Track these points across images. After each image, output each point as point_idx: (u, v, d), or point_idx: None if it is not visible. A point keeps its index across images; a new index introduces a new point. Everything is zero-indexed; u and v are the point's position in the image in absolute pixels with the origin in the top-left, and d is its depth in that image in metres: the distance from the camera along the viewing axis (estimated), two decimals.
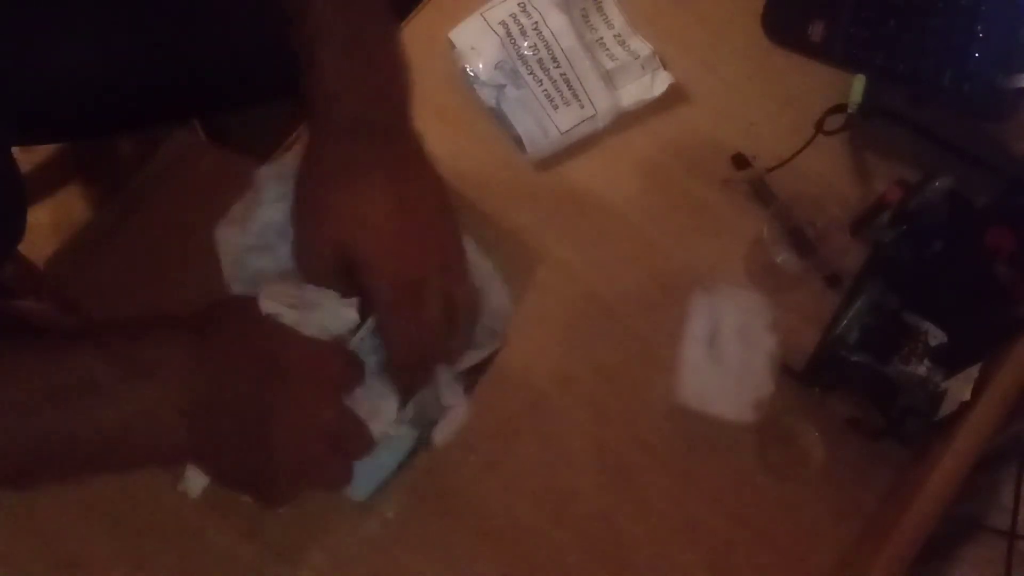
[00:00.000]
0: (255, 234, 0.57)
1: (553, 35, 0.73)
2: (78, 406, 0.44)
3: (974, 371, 0.62)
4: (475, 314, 0.58)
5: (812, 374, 0.67)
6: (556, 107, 0.72)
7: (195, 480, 0.50)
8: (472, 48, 0.73)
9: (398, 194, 0.53)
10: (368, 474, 0.60)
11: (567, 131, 0.72)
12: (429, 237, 0.54)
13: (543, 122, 0.72)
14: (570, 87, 0.73)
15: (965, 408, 0.61)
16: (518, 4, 0.74)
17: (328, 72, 0.52)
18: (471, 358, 0.59)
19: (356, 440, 0.51)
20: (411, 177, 0.54)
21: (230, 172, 0.70)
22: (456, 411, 0.60)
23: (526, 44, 0.73)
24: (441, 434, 0.60)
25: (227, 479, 0.49)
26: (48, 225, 1.01)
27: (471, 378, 0.62)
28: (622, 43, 0.75)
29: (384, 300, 0.52)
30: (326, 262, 0.52)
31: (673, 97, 0.74)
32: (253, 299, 0.49)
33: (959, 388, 0.62)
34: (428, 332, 0.53)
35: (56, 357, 0.45)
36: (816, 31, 0.74)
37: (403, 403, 0.56)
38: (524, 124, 0.72)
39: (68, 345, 0.46)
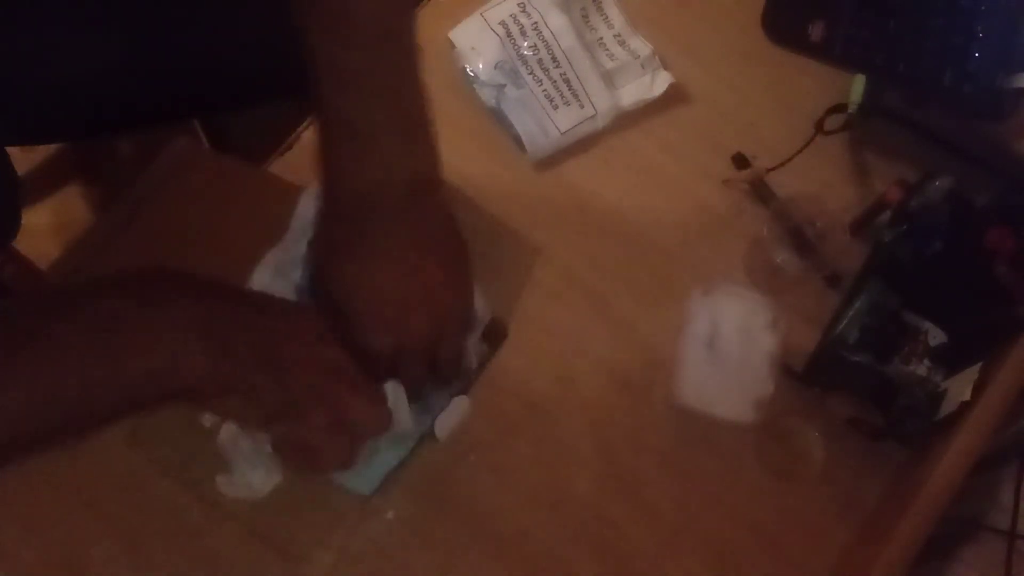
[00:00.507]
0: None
1: (553, 35, 0.73)
2: (105, 340, 0.45)
3: (974, 371, 0.62)
4: (457, 367, 0.60)
5: (812, 374, 0.67)
6: (556, 107, 0.72)
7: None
8: (472, 48, 0.73)
9: (405, 261, 0.53)
10: (373, 467, 0.61)
11: (567, 131, 0.72)
12: (430, 305, 0.55)
13: (543, 122, 0.72)
14: (570, 87, 0.73)
15: (965, 408, 0.61)
16: (518, 4, 0.74)
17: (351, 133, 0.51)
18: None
19: (364, 391, 0.53)
20: (424, 243, 0.54)
21: (230, 178, 0.71)
22: (457, 404, 0.61)
23: (526, 44, 0.73)
24: (443, 427, 0.61)
25: (249, 398, 0.50)
26: (48, 226, 1.01)
27: (468, 378, 0.62)
28: (622, 43, 0.75)
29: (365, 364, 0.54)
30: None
31: (673, 97, 0.75)
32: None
33: (959, 388, 0.62)
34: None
35: (80, 302, 0.46)
36: (816, 31, 0.74)
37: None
38: (524, 124, 0.72)
39: (88, 291, 0.47)
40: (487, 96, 0.73)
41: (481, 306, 0.63)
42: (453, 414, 0.62)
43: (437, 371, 0.58)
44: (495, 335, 0.66)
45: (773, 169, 0.72)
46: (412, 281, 0.53)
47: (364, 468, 0.59)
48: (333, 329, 0.53)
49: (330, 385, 0.51)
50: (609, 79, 0.74)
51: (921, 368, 0.64)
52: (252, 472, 0.60)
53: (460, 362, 0.60)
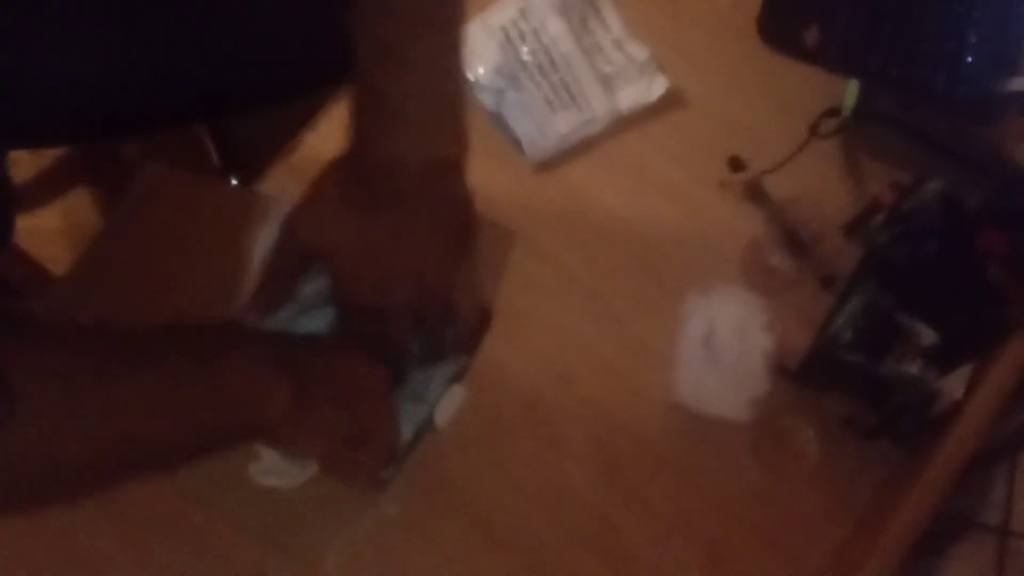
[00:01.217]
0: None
1: (552, 40, 0.74)
2: (191, 368, 0.47)
3: (966, 370, 0.63)
4: (440, 342, 0.62)
5: (807, 374, 0.68)
6: (555, 111, 0.73)
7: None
8: (472, 52, 0.74)
9: (406, 229, 0.55)
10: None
11: (566, 134, 0.73)
12: (417, 275, 0.56)
13: (542, 125, 0.73)
14: (569, 91, 0.74)
15: (958, 407, 0.62)
16: (518, 9, 0.75)
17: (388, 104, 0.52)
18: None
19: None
20: (429, 220, 0.55)
21: (207, 198, 0.71)
22: (454, 392, 0.62)
23: (525, 49, 0.74)
24: (442, 415, 0.62)
25: (325, 430, 0.53)
26: (56, 228, 1.02)
27: (462, 361, 0.64)
28: (620, 48, 0.76)
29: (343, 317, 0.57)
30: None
31: (670, 101, 0.75)
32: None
33: (952, 387, 0.63)
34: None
35: (162, 347, 0.47)
36: (811, 35, 0.75)
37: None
38: (524, 127, 0.73)
39: (167, 336, 0.48)
40: (487, 100, 0.74)
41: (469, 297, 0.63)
42: (451, 402, 0.63)
43: (423, 325, 0.59)
44: (479, 319, 0.66)
45: (768, 172, 0.73)
46: (403, 247, 0.55)
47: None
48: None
49: (386, 410, 0.56)
50: (607, 83, 0.75)
51: (914, 368, 0.65)
52: (286, 460, 0.61)
53: (443, 337, 0.61)
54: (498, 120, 0.74)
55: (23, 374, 0.40)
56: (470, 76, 0.74)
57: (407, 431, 0.62)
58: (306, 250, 0.56)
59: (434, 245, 0.56)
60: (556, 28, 0.74)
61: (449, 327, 0.61)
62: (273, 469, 0.61)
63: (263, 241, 0.63)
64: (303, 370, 0.51)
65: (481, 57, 0.74)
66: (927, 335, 0.65)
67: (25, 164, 0.93)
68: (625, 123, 0.75)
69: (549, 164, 0.74)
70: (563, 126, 0.73)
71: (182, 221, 0.69)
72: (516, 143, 0.74)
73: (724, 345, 0.68)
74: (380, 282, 0.55)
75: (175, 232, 0.68)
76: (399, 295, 0.56)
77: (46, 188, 1.00)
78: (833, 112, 0.72)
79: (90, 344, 0.45)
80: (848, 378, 0.67)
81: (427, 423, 0.63)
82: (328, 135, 0.72)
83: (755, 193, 0.73)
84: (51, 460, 0.42)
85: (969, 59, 0.71)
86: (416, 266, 0.56)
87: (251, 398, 0.48)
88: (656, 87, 0.75)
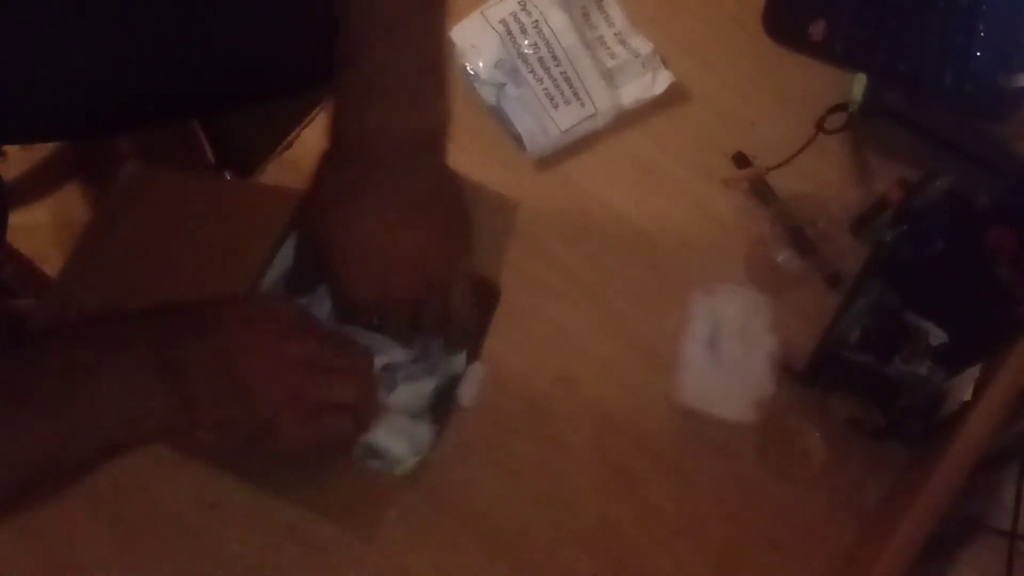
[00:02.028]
0: None
1: (554, 33, 0.73)
2: (63, 392, 0.44)
3: (975, 371, 0.62)
4: (440, 326, 0.59)
5: (813, 374, 0.67)
6: (556, 106, 0.72)
7: None
8: (472, 46, 0.73)
9: (396, 216, 0.53)
10: (398, 442, 0.60)
11: (567, 130, 0.72)
12: (415, 263, 0.54)
13: (543, 121, 0.72)
14: (570, 86, 0.73)
15: (966, 408, 0.61)
16: (518, 2, 0.74)
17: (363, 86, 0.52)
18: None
19: (341, 368, 0.52)
20: (419, 200, 0.54)
21: (190, 194, 0.70)
22: (473, 371, 0.61)
23: (526, 42, 0.73)
24: (466, 395, 0.61)
25: (222, 431, 0.49)
26: (48, 225, 1.01)
27: (476, 341, 0.63)
28: (623, 41, 0.75)
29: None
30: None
31: (674, 96, 0.74)
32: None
33: (960, 388, 0.62)
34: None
35: (44, 358, 0.45)
36: (817, 30, 0.74)
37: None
38: (524, 123, 0.72)
39: (44, 341, 0.47)
40: (487, 95, 0.73)
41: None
42: (472, 381, 0.62)
43: (421, 328, 0.57)
44: (487, 295, 0.65)
45: (774, 168, 0.72)
46: (400, 238, 0.53)
47: (396, 449, 0.59)
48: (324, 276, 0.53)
49: (301, 383, 0.50)
50: (610, 78, 0.74)
51: (922, 368, 0.64)
52: (397, 445, 0.59)
53: (444, 321, 0.59)
54: (498, 115, 0.73)
55: None
56: (470, 70, 0.73)
57: (415, 405, 0.60)
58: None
59: (430, 232, 0.55)
60: (557, 21, 0.73)
61: (449, 320, 0.60)
62: (374, 452, 0.59)
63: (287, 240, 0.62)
64: (188, 367, 0.47)
65: (481, 51, 0.73)
66: (935, 335, 0.65)
67: (16, 160, 0.93)
68: (628, 118, 0.74)
69: (550, 160, 0.73)
70: (565, 121, 0.72)
71: (167, 218, 0.67)
72: (517, 139, 0.73)
73: (728, 345, 0.67)
74: (379, 276, 0.54)
75: (160, 229, 0.67)
76: (399, 289, 0.55)
77: (37, 185, 0.99)
78: (840, 108, 0.71)
79: None
80: (855, 379, 0.66)
81: (450, 403, 0.61)
82: (323, 131, 0.71)
83: (760, 190, 0.72)
84: None
85: (978, 54, 0.71)
86: (415, 256, 0.54)
87: (127, 417, 0.46)
88: (659, 82, 0.74)
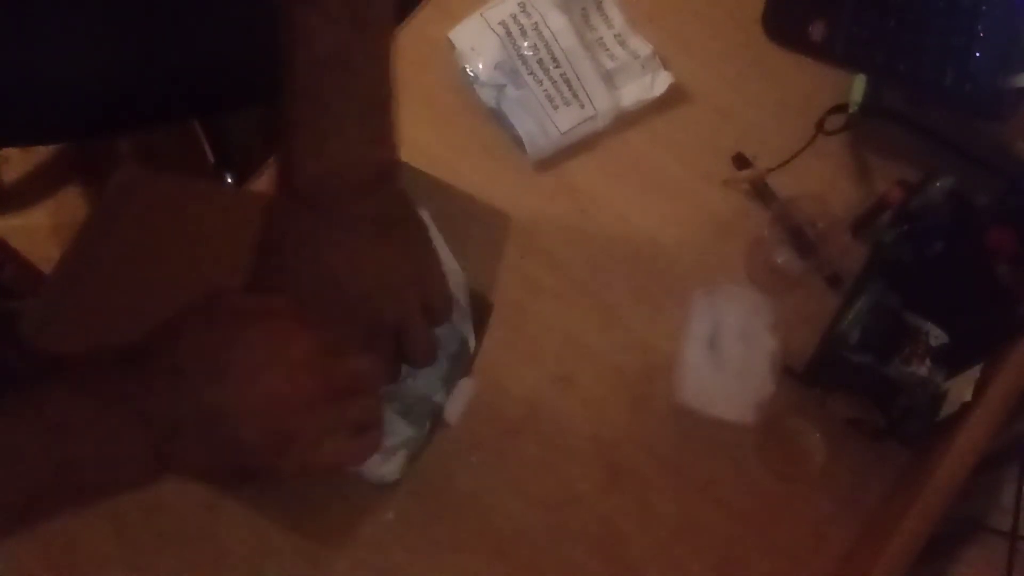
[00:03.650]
0: None
1: (553, 35, 0.73)
2: (54, 443, 0.43)
3: (975, 371, 0.62)
4: (425, 349, 0.56)
5: (813, 374, 0.67)
6: (556, 107, 0.72)
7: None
8: (472, 48, 0.73)
9: (365, 250, 0.52)
10: (391, 453, 0.59)
11: (567, 131, 0.72)
12: (392, 291, 0.52)
13: (543, 122, 0.72)
14: (570, 87, 0.72)
15: (966, 409, 0.61)
16: (518, 4, 0.73)
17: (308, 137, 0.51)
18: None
19: (348, 369, 0.48)
20: (384, 231, 0.53)
21: (185, 197, 0.69)
22: (462, 386, 0.61)
23: (526, 44, 0.73)
24: (452, 412, 0.60)
25: (217, 472, 0.47)
26: (48, 226, 1.01)
27: (466, 359, 0.62)
28: (622, 43, 0.75)
29: None
30: None
31: (673, 97, 0.74)
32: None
33: (960, 388, 0.62)
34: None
35: (24, 404, 0.43)
36: (817, 30, 0.74)
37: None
38: (524, 124, 0.72)
39: (33, 391, 0.44)
40: (487, 96, 0.73)
41: (460, 283, 0.61)
42: (460, 397, 0.62)
43: (407, 353, 0.55)
44: (479, 309, 0.64)
45: (774, 169, 0.72)
46: (372, 269, 0.52)
47: (383, 457, 0.58)
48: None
49: (298, 426, 0.46)
50: (609, 79, 0.74)
51: (922, 369, 0.64)
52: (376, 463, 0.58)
53: (428, 345, 0.57)
54: (498, 117, 0.73)
55: None
56: (470, 72, 0.73)
57: (411, 429, 0.60)
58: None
59: (392, 265, 0.53)
60: (557, 23, 0.73)
61: (432, 334, 0.57)
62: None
63: None
64: (168, 411, 0.43)
65: (481, 53, 0.73)
66: (935, 335, 0.65)
67: (16, 162, 0.93)
68: (628, 120, 0.74)
69: (550, 162, 0.73)
70: (564, 123, 0.72)
71: (160, 220, 0.67)
72: (516, 140, 0.73)
73: (729, 346, 0.67)
74: (361, 307, 0.52)
75: (152, 232, 0.67)
76: (380, 315, 0.52)
77: (37, 186, 0.99)
78: (839, 108, 0.71)
79: None
80: (855, 379, 0.66)
81: (437, 419, 0.61)
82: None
83: (760, 191, 0.72)
84: None
85: (977, 54, 0.71)
86: (392, 280, 0.53)
87: (107, 466, 0.44)
88: (659, 83, 0.74)
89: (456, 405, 0.62)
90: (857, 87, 0.70)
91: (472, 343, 0.62)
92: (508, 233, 0.70)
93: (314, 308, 0.49)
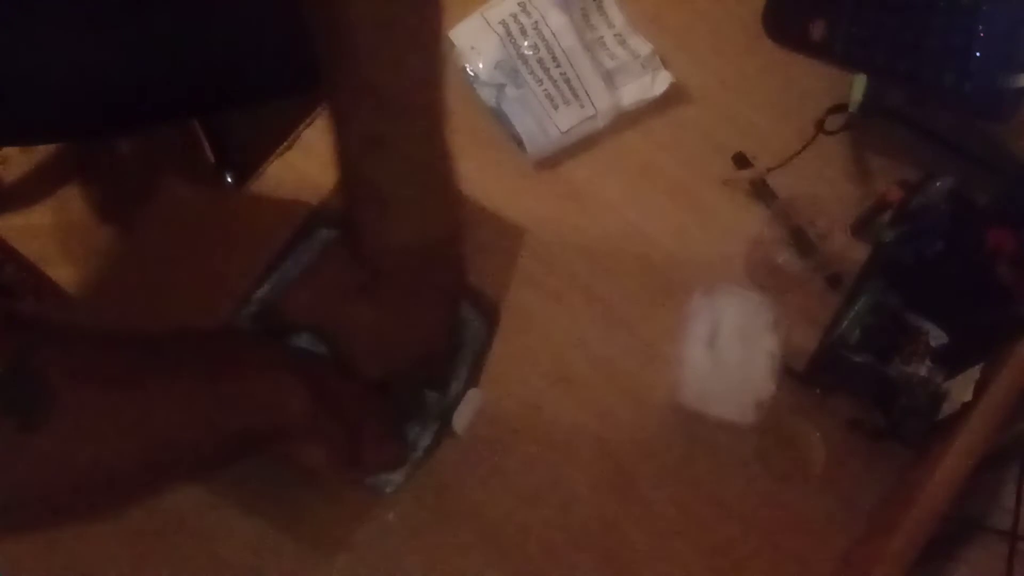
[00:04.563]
0: None
1: (553, 34, 0.73)
2: (216, 378, 0.47)
3: (975, 372, 0.62)
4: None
5: (813, 374, 0.67)
6: (556, 107, 0.72)
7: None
8: (472, 47, 0.73)
9: (402, 311, 0.56)
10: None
11: (567, 131, 0.72)
12: (411, 346, 0.57)
13: (543, 122, 0.72)
14: (570, 87, 0.72)
15: (966, 409, 0.61)
16: (518, 3, 0.73)
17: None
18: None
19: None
20: (422, 302, 0.56)
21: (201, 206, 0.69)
22: (471, 396, 0.61)
23: (526, 43, 0.73)
24: (460, 421, 0.61)
25: (325, 453, 0.52)
26: (49, 226, 1.00)
27: (476, 367, 0.63)
28: (622, 42, 0.75)
29: None
30: None
31: (673, 97, 0.74)
32: None
33: (960, 389, 0.62)
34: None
35: (182, 347, 0.48)
36: (817, 30, 0.74)
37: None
38: (524, 124, 0.72)
39: (185, 338, 0.49)
40: (487, 96, 0.73)
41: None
42: (468, 407, 0.62)
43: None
44: (486, 320, 0.65)
45: (774, 169, 0.72)
46: (404, 325, 0.56)
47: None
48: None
49: (382, 433, 0.55)
50: (609, 79, 0.74)
51: (922, 368, 0.64)
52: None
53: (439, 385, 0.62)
54: (498, 116, 0.73)
55: (60, 377, 0.40)
56: (470, 72, 0.73)
57: (425, 440, 0.61)
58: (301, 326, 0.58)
59: (431, 315, 0.57)
60: (557, 22, 0.73)
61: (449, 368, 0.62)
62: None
63: (298, 255, 0.62)
64: (316, 381, 0.51)
65: (481, 52, 0.73)
66: (935, 335, 0.65)
67: (16, 162, 0.92)
68: (628, 119, 0.74)
69: (550, 161, 0.73)
70: (564, 122, 0.72)
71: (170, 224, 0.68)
72: (517, 140, 0.73)
73: (729, 346, 0.67)
74: (380, 355, 0.56)
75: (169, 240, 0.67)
76: (401, 366, 0.57)
77: (37, 186, 0.99)
78: (839, 108, 0.71)
79: (118, 349, 0.45)
80: (855, 379, 0.66)
81: (445, 429, 0.61)
82: (324, 132, 0.71)
83: (760, 190, 0.72)
84: (87, 464, 0.41)
85: (977, 54, 0.70)
86: (415, 338, 0.57)
87: (270, 402, 0.48)
88: (659, 83, 0.74)
89: (464, 415, 0.62)
90: (857, 87, 0.70)
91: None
92: (508, 233, 0.70)
93: (346, 352, 0.55)
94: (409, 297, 0.55)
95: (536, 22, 0.73)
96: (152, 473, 0.45)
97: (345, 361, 0.56)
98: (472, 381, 0.63)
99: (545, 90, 0.72)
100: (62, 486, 0.41)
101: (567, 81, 0.73)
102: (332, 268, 0.57)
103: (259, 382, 0.48)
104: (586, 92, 0.73)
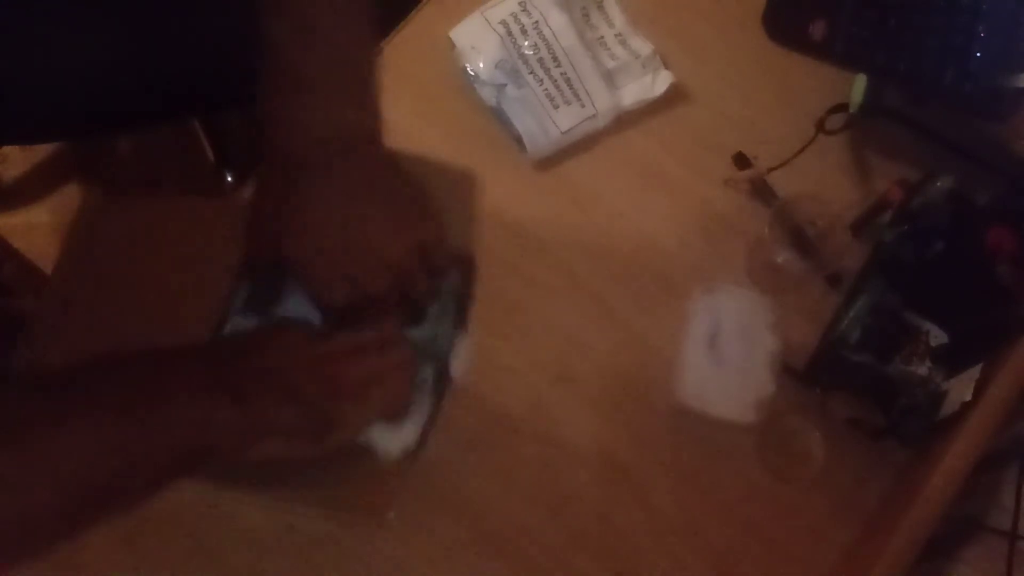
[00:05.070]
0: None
1: (554, 34, 0.73)
2: (133, 397, 0.46)
3: (975, 371, 0.62)
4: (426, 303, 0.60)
5: (813, 374, 0.67)
6: (557, 106, 0.72)
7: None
8: (472, 47, 0.73)
9: (348, 212, 0.54)
10: (405, 425, 0.59)
11: (568, 131, 0.72)
12: (378, 252, 0.55)
13: (543, 121, 0.72)
14: (571, 86, 0.72)
15: (966, 408, 0.61)
16: (519, 3, 0.73)
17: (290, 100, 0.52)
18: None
19: (367, 343, 0.55)
20: (368, 192, 0.54)
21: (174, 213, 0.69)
22: (464, 342, 0.60)
23: (527, 43, 0.73)
24: (456, 366, 0.60)
25: (285, 436, 0.52)
26: (47, 224, 1.01)
27: (461, 313, 0.62)
28: (623, 42, 0.75)
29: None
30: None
31: (674, 96, 0.74)
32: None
33: (960, 388, 0.62)
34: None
35: (104, 376, 0.47)
36: (817, 30, 0.74)
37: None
38: (525, 123, 0.72)
39: (105, 367, 0.48)
40: (487, 95, 0.73)
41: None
42: (461, 353, 0.62)
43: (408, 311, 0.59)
44: (463, 267, 0.64)
45: (774, 169, 0.72)
46: (355, 232, 0.54)
47: (396, 429, 0.59)
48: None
49: (339, 370, 0.53)
50: (610, 78, 0.74)
51: (922, 368, 0.64)
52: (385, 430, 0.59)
53: (430, 298, 0.60)
54: (499, 116, 0.73)
55: None
56: (470, 71, 0.73)
57: (424, 395, 0.60)
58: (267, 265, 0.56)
59: (383, 219, 0.55)
60: (558, 22, 0.73)
61: (434, 289, 0.60)
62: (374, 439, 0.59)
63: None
64: (241, 380, 0.49)
65: (481, 52, 0.73)
66: (935, 335, 0.65)
67: (16, 161, 0.93)
68: (628, 119, 0.74)
69: (550, 161, 0.73)
70: (565, 122, 0.72)
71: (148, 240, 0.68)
72: (517, 139, 0.73)
73: (729, 345, 0.67)
74: (351, 278, 0.55)
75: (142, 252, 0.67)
76: (375, 284, 0.55)
77: (37, 185, 0.99)
78: (840, 108, 0.71)
79: (39, 391, 0.45)
80: (855, 379, 0.66)
81: (444, 377, 0.61)
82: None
83: (760, 190, 0.72)
84: (18, 511, 0.41)
85: (978, 54, 0.70)
86: (375, 247, 0.55)
87: (192, 426, 0.47)
88: (660, 82, 0.74)
89: (460, 360, 0.62)
90: (857, 87, 0.70)
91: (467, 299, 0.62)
92: (508, 232, 0.70)
93: (321, 262, 0.53)
94: (349, 202, 0.53)
95: (536, 22, 0.73)
96: (83, 511, 0.44)
97: (316, 291, 0.55)
98: (461, 327, 0.62)
99: (545, 90, 0.72)
100: None
101: (567, 81, 0.73)
102: (264, 195, 0.55)
103: (178, 405, 0.47)
104: (587, 92, 0.73)
